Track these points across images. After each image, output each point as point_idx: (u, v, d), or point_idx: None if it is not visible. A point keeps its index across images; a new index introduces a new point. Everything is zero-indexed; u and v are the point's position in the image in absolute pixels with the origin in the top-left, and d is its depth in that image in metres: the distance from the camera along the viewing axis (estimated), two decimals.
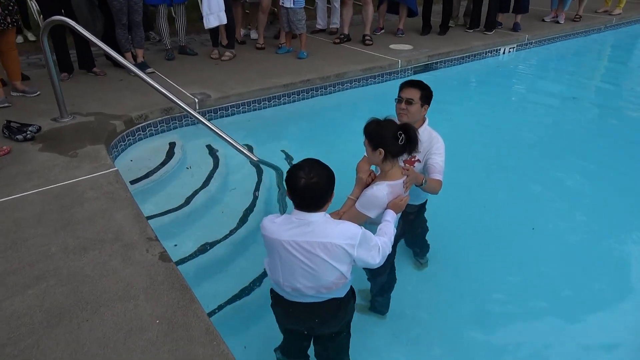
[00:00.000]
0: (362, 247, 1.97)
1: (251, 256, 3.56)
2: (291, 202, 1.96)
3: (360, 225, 2.09)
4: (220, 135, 3.86)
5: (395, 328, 2.98)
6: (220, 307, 3.08)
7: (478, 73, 7.34)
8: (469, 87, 7.01)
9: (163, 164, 4.13)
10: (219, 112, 5.00)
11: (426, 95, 2.68)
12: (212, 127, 3.88)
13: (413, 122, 2.67)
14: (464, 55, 7.20)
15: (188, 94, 4.92)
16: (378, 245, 2.04)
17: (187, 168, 4.27)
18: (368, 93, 6.11)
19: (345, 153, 4.85)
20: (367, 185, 2.39)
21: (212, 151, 4.59)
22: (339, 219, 2.34)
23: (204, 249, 3.49)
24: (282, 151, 4.92)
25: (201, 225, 3.72)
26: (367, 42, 7.11)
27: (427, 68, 6.74)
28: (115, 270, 2.40)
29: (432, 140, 2.69)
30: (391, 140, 2.20)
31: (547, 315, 3.02)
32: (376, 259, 2.03)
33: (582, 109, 6.32)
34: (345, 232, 1.95)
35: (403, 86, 2.70)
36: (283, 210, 3.88)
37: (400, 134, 2.20)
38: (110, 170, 3.37)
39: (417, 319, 3.03)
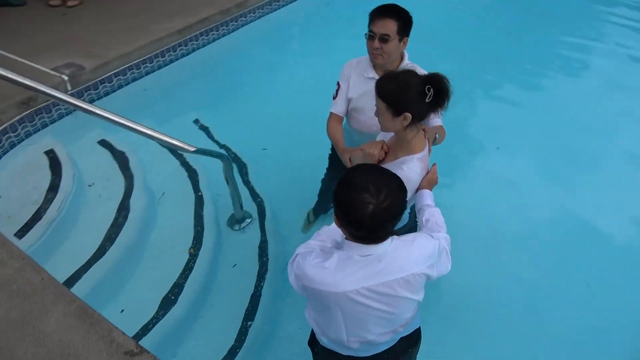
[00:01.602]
0: (439, 261, 1.57)
1: (228, 287, 2.71)
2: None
3: None
4: (131, 127, 2.62)
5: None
6: None
7: None
8: None
9: (52, 189, 2.76)
10: (100, 88, 3.53)
11: (404, 25, 2.13)
12: (113, 117, 2.60)
13: (390, 62, 2.21)
14: None
15: (49, 71, 3.31)
16: (445, 248, 1.64)
17: (90, 186, 2.97)
18: (279, 22, 4.99)
19: (281, 108, 3.97)
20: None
21: (112, 149, 3.28)
22: None
23: (166, 300, 2.49)
24: (197, 123, 3.79)
25: (145, 268, 2.67)
26: None
27: None
28: None
29: None
30: (418, 99, 1.65)
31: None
32: (448, 266, 1.64)
33: None
34: (423, 253, 1.50)
35: (374, 17, 2.12)
36: (241, 207, 2.95)
37: (429, 89, 1.62)
38: None
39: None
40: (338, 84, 2.37)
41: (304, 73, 4.42)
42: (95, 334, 1.65)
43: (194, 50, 4.19)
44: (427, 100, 1.63)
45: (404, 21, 2.11)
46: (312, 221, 3.09)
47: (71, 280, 2.40)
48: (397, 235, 1.78)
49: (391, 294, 1.43)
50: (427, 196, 1.81)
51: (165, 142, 2.76)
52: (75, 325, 1.68)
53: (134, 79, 3.75)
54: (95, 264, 2.52)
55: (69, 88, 3.27)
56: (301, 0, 5.21)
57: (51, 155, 3.02)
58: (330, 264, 1.41)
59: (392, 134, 1.92)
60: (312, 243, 1.64)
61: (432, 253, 1.51)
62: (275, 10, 4.98)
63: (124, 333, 1.67)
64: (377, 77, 2.23)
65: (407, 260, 1.45)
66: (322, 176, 2.98)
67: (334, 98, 2.39)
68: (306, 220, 3.11)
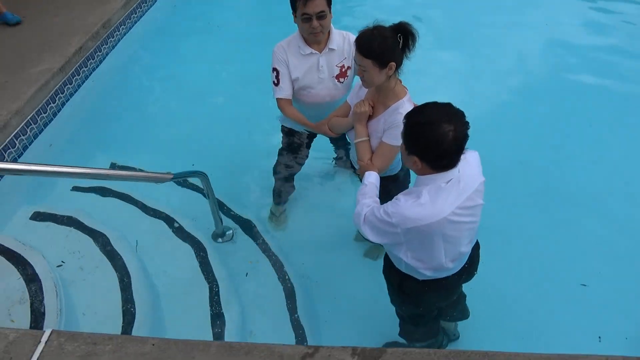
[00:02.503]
0: None
1: (258, 296, 2.64)
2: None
3: None
4: (100, 174, 2.35)
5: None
6: None
7: None
8: None
9: (32, 280, 2.35)
10: (6, 156, 2.97)
11: None
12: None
13: (326, 33, 2.31)
14: None
15: None
16: None
17: (59, 266, 2.59)
18: (143, 32, 4.67)
19: (190, 117, 3.87)
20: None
21: (54, 217, 2.88)
22: (368, 166, 2.00)
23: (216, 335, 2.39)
24: (114, 166, 3.36)
25: (177, 314, 2.49)
26: None
27: None
28: None
29: (349, 40, 2.37)
30: (396, 47, 1.82)
31: None
32: None
33: None
34: (478, 160, 1.73)
35: None
36: (221, 221, 2.89)
37: (400, 37, 1.82)
38: None
39: None
40: (275, 69, 2.36)
41: (195, 74, 4.29)
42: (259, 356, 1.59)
43: (79, 85, 3.72)
44: (400, 47, 1.81)
45: None
46: (280, 214, 3.02)
47: None
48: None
49: (473, 205, 1.64)
50: None
51: (140, 177, 2.62)
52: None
53: (36, 136, 3.23)
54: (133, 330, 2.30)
55: None
56: (154, 8, 4.93)
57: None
58: (425, 199, 1.56)
59: (353, 94, 2.10)
60: (368, 201, 1.80)
61: (479, 161, 1.74)
62: (136, 22, 4.64)
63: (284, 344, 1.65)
64: (314, 51, 2.31)
65: (473, 172, 1.66)
66: (270, 165, 2.92)
67: (276, 84, 2.38)
68: (273, 216, 3.03)
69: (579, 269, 2.67)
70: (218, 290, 2.60)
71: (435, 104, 1.56)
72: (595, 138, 3.44)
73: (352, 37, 2.37)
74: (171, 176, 2.52)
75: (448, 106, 1.54)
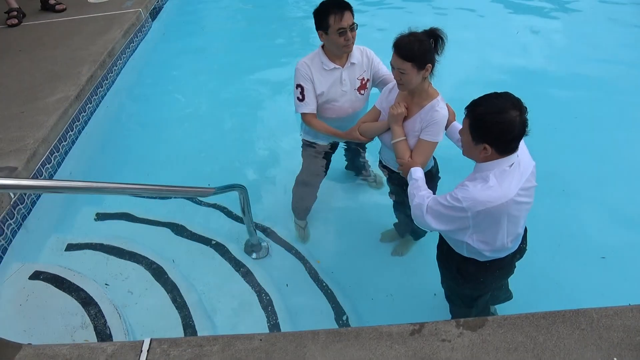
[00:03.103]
0: None
1: (302, 302, 2.62)
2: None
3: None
4: (147, 188, 2.34)
5: None
6: None
7: None
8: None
9: (87, 304, 2.30)
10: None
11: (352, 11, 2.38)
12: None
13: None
14: None
15: None
16: None
17: (107, 285, 2.52)
18: (144, 60, 4.69)
19: (209, 137, 3.90)
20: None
21: (88, 245, 2.81)
22: (411, 164, 2.12)
23: None
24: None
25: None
26: (57, 8, 5.05)
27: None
28: None
29: (366, 54, 2.52)
30: (431, 50, 1.96)
31: None
32: None
33: None
34: (527, 148, 1.80)
35: (337, 14, 2.25)
36: (255, 233, 2.89)
37: (432, 42, 1.96)
38: None
39: None
40: (299, 86, 2.43)
41: (195, 93, 4.35)
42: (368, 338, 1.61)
43: (92, 113, 3.69)
44: (433, 50, 1.95)
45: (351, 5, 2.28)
46: (305, 226, 3.04)
47: None
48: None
49: (530, 186, 1.73)
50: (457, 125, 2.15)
51: (183, 192, 2.62)
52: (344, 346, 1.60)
53: (59, 164, 3.16)
54: None
55: (12, 196, 2.60)
56: (149, 36, 4.98)
57: (42, 276, 2.43)
58: (493, 182, 1.64)
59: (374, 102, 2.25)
60: (425, 193, 1.90)
61: (526, 147, 1.81)
62: (135, 49, 4.66)
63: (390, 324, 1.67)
64: (337, 66, 2.41)
65: (526, 157, 1.76)
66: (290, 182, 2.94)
67: (301, 100, 2.45)
68: (300, 230, 3.03)
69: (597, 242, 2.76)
70: (271, 301, 2.60)
71: (496, 93, 1.66)
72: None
73: (369, 51, 2.53)
74: (213, 190, 2.53)
75: (508, 94, 1.65)
